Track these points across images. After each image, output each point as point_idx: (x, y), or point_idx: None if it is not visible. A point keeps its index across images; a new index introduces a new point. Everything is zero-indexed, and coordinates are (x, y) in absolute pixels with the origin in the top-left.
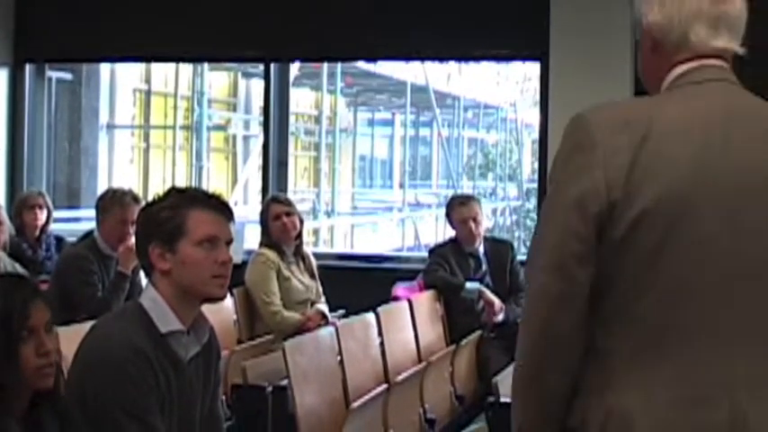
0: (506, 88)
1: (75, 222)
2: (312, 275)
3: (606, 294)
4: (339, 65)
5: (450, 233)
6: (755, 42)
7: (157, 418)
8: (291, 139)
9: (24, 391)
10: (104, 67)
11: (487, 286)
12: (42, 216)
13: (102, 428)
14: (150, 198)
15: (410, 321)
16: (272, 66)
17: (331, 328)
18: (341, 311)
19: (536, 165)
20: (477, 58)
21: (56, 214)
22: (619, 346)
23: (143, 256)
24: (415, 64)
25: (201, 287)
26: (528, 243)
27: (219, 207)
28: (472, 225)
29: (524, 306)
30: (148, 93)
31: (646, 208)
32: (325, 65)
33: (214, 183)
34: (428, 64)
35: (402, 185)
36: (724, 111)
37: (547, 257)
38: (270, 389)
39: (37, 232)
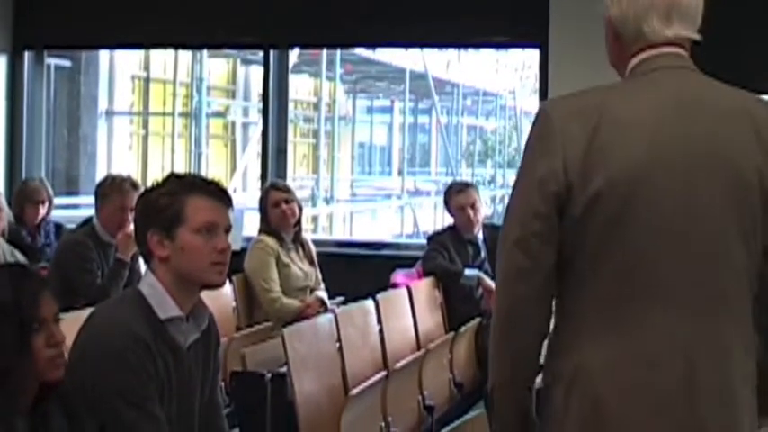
0: (506, 76)
1: (74, 209)
2: (311, 262)
3: (571, 264)
4: (338, 52)
5: (449, 220)
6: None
7: (156, 406)
8: (290, 127)
9: (32, 385)
10: (103, 55)
11: (486, 273)
12: (44, 210)
13: (101, 416)
14: (149, 184)
15: (409, 308)
16: (271, 52)
17: (330, 315)
18: (340, 298)
19: None
20: (477, 45)
21: (55, 201)
22: (584, 310)
23: (142, 243)
24: (415, 51)
25: (200, 274)
26: None
27: (218, 194)
28: (470, 212)
29: (496, 277)
30: (147, 80)
31: (599, 189)
32: (325, 52)
33: (213, 170)
34: (427, 51)
35: (401, 173)
36: (677, 96)
37: (513, 234)
38: (269, 376)
39: (37, 221)
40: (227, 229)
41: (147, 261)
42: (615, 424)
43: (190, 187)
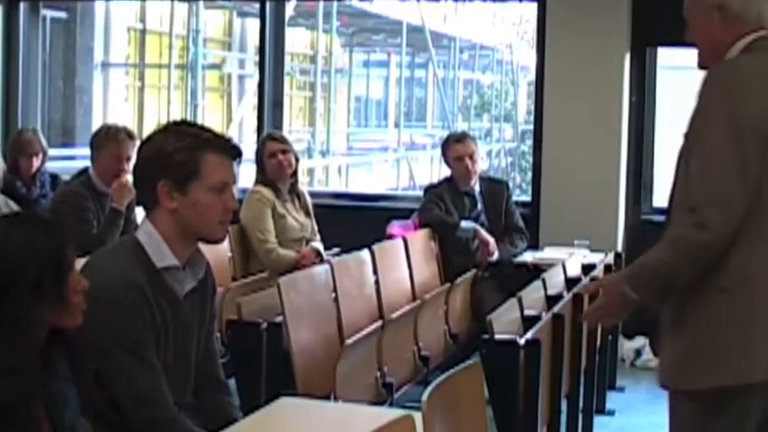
0: (503, 29)
1: (70, 160)
2: (307, 213)
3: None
4: (335, 4)
5: (445, 174)
6: None
7: (153, 353)
8: (287, 79)
9: (44, 331)
10: (99, 6)
11: (483, 225)
12: (38, 162)
13: (97, 362)
14: (155, 129)
15: (405, 259)
16: (267, 4)
17: (326, 266)
18: (336, 250)
19: (532, 107)
20: None
21: (50, 152)
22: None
23: (148, 191)
24: (411, 3)
25: (206, 230)
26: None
27: (232, 151)
28: (468, 162)
29: None
30: (143, 32)
31: None
32: (321, 4)
33: (209, 122)
34: (424, 3)
35: (397, 126)
36: None
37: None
38: (264, 325)
39: (32, 172)
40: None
41: (146, 209)
42: None
43: (207, 144)
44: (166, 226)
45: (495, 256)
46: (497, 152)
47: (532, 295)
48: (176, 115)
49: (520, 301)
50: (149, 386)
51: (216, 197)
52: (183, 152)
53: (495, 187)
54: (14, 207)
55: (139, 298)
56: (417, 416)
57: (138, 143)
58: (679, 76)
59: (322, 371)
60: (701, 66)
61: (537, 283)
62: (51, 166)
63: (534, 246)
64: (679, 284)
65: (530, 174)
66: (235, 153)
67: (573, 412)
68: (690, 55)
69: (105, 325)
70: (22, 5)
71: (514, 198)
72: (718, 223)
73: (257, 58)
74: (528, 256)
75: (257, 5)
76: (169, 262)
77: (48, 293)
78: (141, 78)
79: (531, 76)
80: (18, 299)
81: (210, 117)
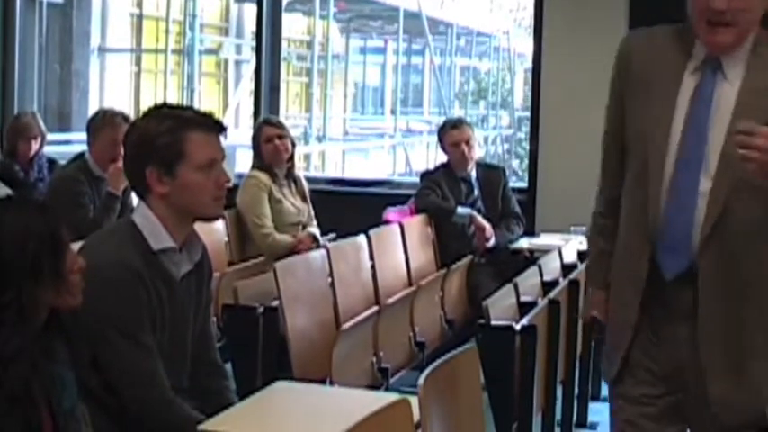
0: (499, 16)
1: (67, 145)
2: (304, 198)
3: None
4: None
5: (442, 160)
6: None
7: (149, 336)
8: (283, 65)
9: (44, 313)
10: None
11: (479, 211)
12: (36, 146)
13: (93, 345)
14: (136, 118)
15: (401, 245)
16: None
17: (322, 251)
18: (332, 235)
19: (529, 93)
20: None
21: (48, 137)
22: None
23: (138, 178)
24: None
25: (202, 209)
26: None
27: (215, 127)
28: (464, 148)
29: None
30: (140, 17)
31: None
32: None
33: (205, 107)
34: None
35: (394, 112)
36: None
37: None
38: (261, 309)
39: (30, 156)
40: (222, 159)
41: (139, 196)
42: None
43: (188, 123)
44: (161, 210)
45: (492, 242)
46: (494, 139)
47: (528, 281)
48: (173, 100)
49: (516, 286)
50: (145, 369)
51: (205, 175)
52: (165, 135)
53: (491, 173)
54: (6, 190)
55: (135, 280)
56: (413, 400)
57: None
58: None
59: (318, 355)
60: (732, 47)
61: (533, 269)
62: (48, 150)
63: (530, 232)
64: None
65: (526, 160)
66: (218, 128)
67: (568, 398)
68: None
69: (101, 307)
70: None
71: (511, 184)
72: None
73: (254, 44)
74: (524, 243)
75: None
76: (165, 244)
77: (46, 275)
78: (138, 63)
79: (528, 63)
80: (17, 282)
81: (207, 102)
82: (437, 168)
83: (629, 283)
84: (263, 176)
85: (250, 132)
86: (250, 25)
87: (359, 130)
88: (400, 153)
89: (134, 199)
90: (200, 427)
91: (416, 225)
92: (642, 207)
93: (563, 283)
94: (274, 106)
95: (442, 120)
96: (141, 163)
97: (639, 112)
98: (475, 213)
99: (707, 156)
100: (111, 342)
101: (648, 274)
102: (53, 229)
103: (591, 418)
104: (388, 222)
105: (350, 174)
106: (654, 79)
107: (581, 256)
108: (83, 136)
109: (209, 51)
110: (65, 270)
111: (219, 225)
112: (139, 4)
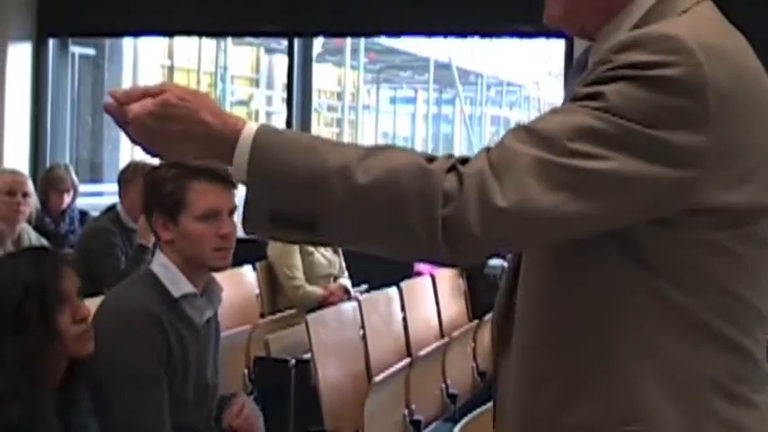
0: (530, 66)
1: (98, 197)
2: (335, 250)
3: None
4: (362, 41)
5: None
6: None
7: (162, 389)
8: (314, 115)
9: (60, 362)
10: (127, 43)
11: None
12: (69, 198)
13: (106, 393)
14: (155, 164)
15: (433, 296)
16: (295, 41)
17: (354, 303)
18: (363, 286)
19: None
20: (501, 35)
21: (79, 189)
22: None
23: (151, 224)
24: (438, 40)
25: (203, 259)
26: None
27: (220, 177)
28: None
29: None
30: (171, 68)
31: None
32: (349, 40)
33: None
34: (451, 40)
35: None
36: None
37: None
38: (292, 362)
39: (62, 208)
40: (232, 211)
41: (157, 240)
42: None
43: (192, 172)
44: (174, 257)
45: None
46: None
47: None
48: None
49: None
50: (152, 423)
51: (206, 225)
52: (169, 183)
53: None
54: (45, 243)
55: (156, 329)
56: None
57: None
58: None
59: (350, 408)
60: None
61: None
62: (79, 202)
63: None
64: None
65: None
66: (221, 178)
67: None
68: None
69: (118, 356)
70: (51, 42)
71: None
72: None
73: (285, 95)
74: None
75: (285, 42)
76: (186, 290)
77: (32, 323)
78: None
79: None
80: (2, 328)
81: None
82: None
83: None
84: None
85: None
86: (281, 76)
87: None
88: None
89: None
90: None
91: (448, 276)
92: None
93: None
94: None
95: None
96: (149, 209)
97: None
98: (506, 265)
99: None
100: (120, 389)
101: None
102: (44, 280)
103: None
104: (419, 274)
105: None
106: None
107: None
108: (114, 187)
109: (240, 102)
110: (58, 320)
111: (251, 277)
112: (171, 56)
